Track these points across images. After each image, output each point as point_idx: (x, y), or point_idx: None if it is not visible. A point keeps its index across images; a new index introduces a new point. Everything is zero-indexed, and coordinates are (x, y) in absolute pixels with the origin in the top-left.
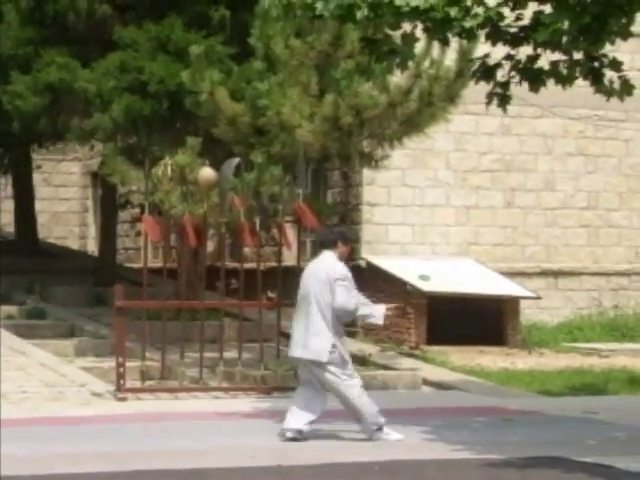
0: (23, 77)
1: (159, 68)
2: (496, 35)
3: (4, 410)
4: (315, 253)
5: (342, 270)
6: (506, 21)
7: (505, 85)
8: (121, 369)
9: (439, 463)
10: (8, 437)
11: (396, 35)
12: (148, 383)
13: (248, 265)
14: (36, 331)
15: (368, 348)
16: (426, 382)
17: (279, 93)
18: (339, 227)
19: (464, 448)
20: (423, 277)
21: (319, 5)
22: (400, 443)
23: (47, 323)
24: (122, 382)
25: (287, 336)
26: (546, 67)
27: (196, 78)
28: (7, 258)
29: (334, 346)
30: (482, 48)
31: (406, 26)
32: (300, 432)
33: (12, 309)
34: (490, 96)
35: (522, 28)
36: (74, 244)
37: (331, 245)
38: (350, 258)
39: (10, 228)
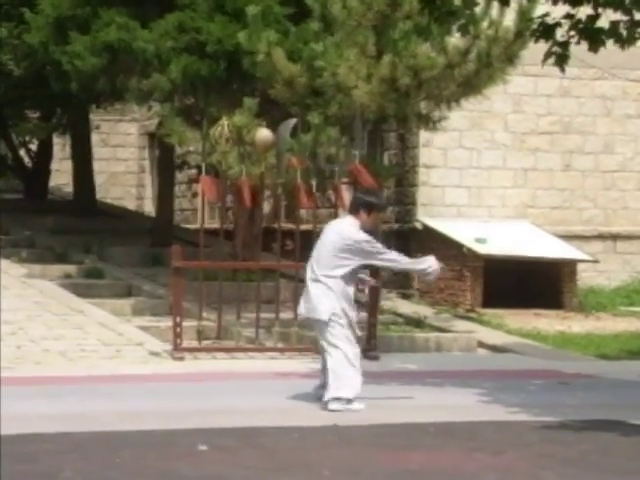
0: (82, 37)
1: (217, 28)
2: None
3: (63, 368)
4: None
5: (354, 235)
6: None
7: (564, 45)
8: (178, 329)
9: (495, 425)
10: (67, 395)
11: None
12: (205, 343)
13: (304, 226)
14: (94, 290)
15: (423, 310)
16: (482, 345)
17: (336, 54)
18: (373, 196)
19: (520, 410)
20: (479, 240)
21: None
22: (454, 405)
23: (105, 283)
24: (179, 341)
25: None
26: (606, 27)
27: (253, 39)
28: (65, 218)
29: (335, 307)
30: (541, 8)
31: None
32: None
33: (70, 268)
34: (548, 55)
35: None
36: (131, 205)
37: (353, 211)
38: (404, 220)
39: (68, 188)
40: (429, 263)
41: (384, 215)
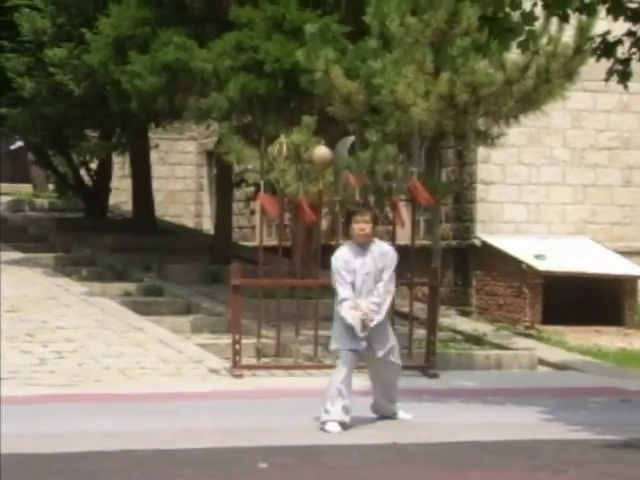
0: (141, 57)
1: (274, 47)
2: (617, 10)
3: (123, 385)
4: (429, 231)
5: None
6: None
7: (626, 62)
8: (237, 346)
9: (557, 443)
10: (127, 412)
11: (514, 13)
12: (263, 360)
13: None
14: (153, 308)
15: (482, 327)
16: (542, 362)
17: (394, 71)
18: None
19: (582, 429)
20: (539, 256)
21: None
22: (515, 423)
23: (164, 300)
24: (238, 359)
25: (401, 315)
26: None
27: (311, 57)
28: (125, 236)
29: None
30: (600, 24)
31: (526, 4)
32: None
33: (130, 286)
34: (610, 73)
35: None
36: (189, 222)
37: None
38: (463, 237)
39: (128, 206)
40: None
41: (443, 232)
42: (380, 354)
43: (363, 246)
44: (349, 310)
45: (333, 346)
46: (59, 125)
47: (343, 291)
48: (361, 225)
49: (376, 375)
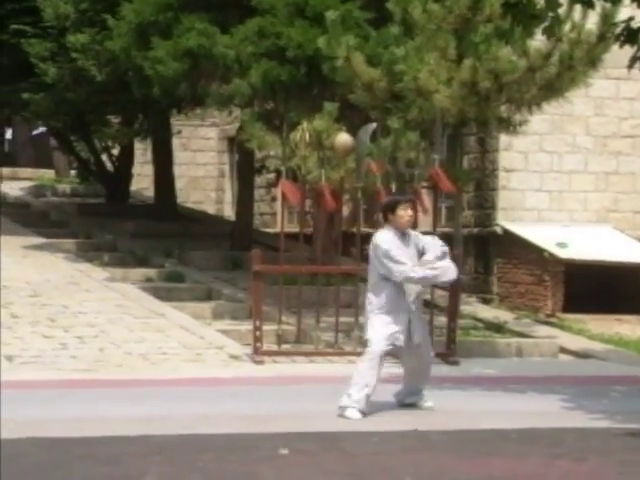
0: (164, 43)
1: (297, 33)
2: None
3: (145, 370)
4: (450, 219)
5: (376, 241)
6: None
7: None
8: (258, 332)
9: (578, 432)
10: (149, 397)
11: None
12: (284, 346)
13: None
14: (174, 294)
15: (503, 315)
16: (563, 350)
17: (416, 58)
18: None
19: (604, 417)
20: (561, 244)
21: None
22: (536, 411)
23: (185, 286)
24: (259, 345)
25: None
26: None
27: (332, 43)
28: (146, 222)
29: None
30: (624, 11)
31: None
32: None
33: (151, 272)
34: (634, 60)
35: None
36: (210, 209)
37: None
38: (484, 224)
39: (149, 192)
40: (441, 270)
41: (464, 219)
42: (417, 340)
43: (404, 233)
44: (421, 269)
45: (370, 336)
46: (81, 111)
47: (403, 265)
48: (409, 212)
49: (410, 362)
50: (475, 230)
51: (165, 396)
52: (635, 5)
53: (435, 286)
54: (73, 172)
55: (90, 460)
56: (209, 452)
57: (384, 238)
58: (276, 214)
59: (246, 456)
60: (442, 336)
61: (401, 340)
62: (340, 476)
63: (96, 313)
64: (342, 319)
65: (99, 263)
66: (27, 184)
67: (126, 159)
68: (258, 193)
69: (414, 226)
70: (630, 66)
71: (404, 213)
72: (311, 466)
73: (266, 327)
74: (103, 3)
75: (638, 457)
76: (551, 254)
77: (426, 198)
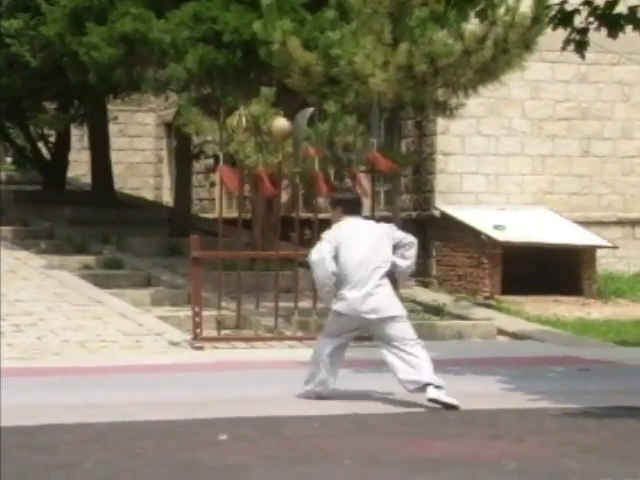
0: (98, 28)
1: (233, 18)
2: None
3: (83, 358)
4: (389, 202)
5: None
6: None
7: (583, 31)
8: (197, 318)
9: (515, 412)
10: (87, 385)
11: None
12: (224, 332)
13: (322, 215)
14: (113, 281)
15: (442, 298)
16: (501, 332)
17: (352, 42)
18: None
19: (541, 398)
20: (498, 227)
21: None
22: (475, 393)
23: (124, 273)
24: (199, 331)
25: None
26: (624, 13)
27: (268, 28)
28: (84, 209)
29: None
30: None
31: None
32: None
33: (89, 259)
34: (567, 42)
35: None
36: (149, 195)
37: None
38: (422, 208)
39: (86, 179)
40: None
41: (402, 203)
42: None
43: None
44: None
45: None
46: (16, 97)
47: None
48: None
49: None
50: (414, 214)
51: (104, 383)
52: None
53: None
54: (9, 159)
55: (27, 449)
56: (148, 439)
57: None
58: (215, 199)
59: (185, 442)
60: None
61: None
62: (280, 460)
63: (33, 301)
64: (281, 304)
65: (36, 251)
66: None
67: (62, 146)
68: (196, 179)
69: None
70: (563, 48)
71: None
72: (251, 451)
73: (205, 313)
74: None
75: (575, 437)
76: (489, 237)
77: (364, 182)
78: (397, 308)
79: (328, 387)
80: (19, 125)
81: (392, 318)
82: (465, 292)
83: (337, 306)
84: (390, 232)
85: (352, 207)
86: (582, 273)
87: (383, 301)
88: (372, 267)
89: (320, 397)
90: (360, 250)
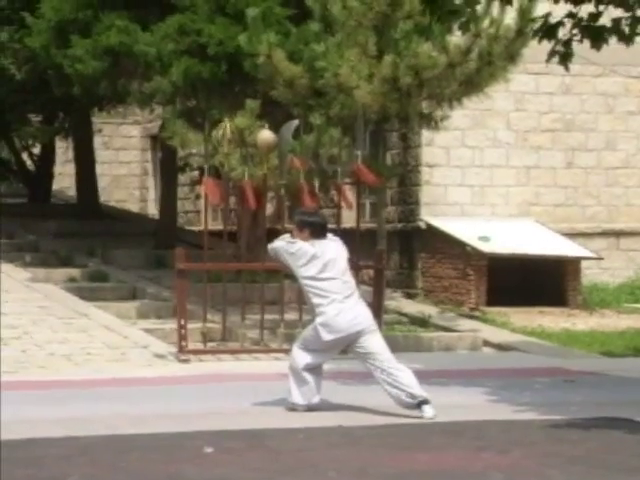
0: (83, 41)
1: (218, 30)
2: None
3: (68, 371)
4: (374, 214)
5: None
6: None
7: (567, 43)
8: (183, 331)
9: (501, 424)
10: (72, 398)
11: None
12: (210, 345)
13: None
14: (98, 293)
15: (428, 309)
16: (487, 343)
17: (337, 54)
18: (315, 216)
19: (526, 409)
20: (483, 238)
21: None
22: (460, 404)
23: (109, 285)
24: (184, 344)
25: None
26: (608, 25)
27: (253, 40)
28: (69, 221)
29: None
30: (541, 7)
31: None
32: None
33: (74, 272)
34: (552, 54)
35: None
36: (134, 207)
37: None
38: (408, 219)
39: (71, 192)
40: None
41: (388, 215)
42: None
43: None
44: None
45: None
46: (0, 109)
47: None
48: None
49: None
50: (399, 225)
51: (89, 397)
52: (552, 1)
53: (361, 282)
54: None
55: (12, 463)
56: (133, 452)
57: None
58: (200, 212)
59: (170, 455)
60: None
61: None
62: (265, 473)
63: (18, 314)
64: (267, 316)
65: (21, 264)
66: None
67: (47, 158)
68: (182, 191)
69: (338, 222)
70: (548, 60)
71: None
72: (236, 464)
73: (191, 325)
74: (21, 1)
75: (560, 448)
76: (474, 248)
77: (349, 194)
78: (372, 319)
79: (312, 399)
80: (3, 138)
81: (372, 330)
82: (450, 303)
83: (325, 336)
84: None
85: (320, 231)
86: (567, 284)
87: (363, 313)
88: (343, 283)
89: (305, 409)
90: (331, 270)
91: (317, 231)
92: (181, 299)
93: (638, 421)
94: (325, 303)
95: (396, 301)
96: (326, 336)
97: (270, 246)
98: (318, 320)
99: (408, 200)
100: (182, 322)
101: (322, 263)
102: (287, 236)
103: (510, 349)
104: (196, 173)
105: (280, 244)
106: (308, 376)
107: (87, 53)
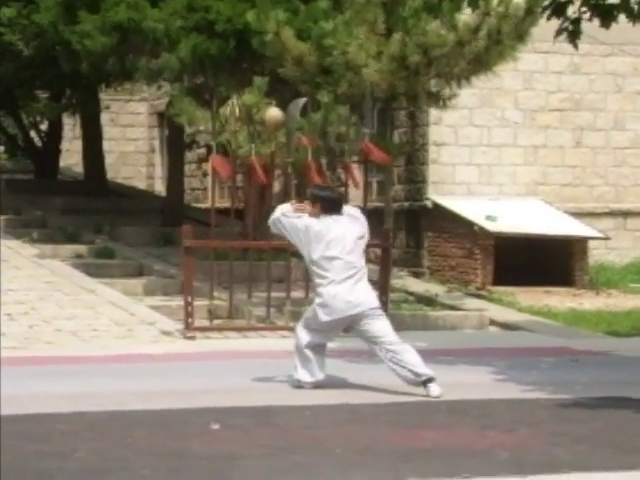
0: (91, 16)
1: (226, 7)
2: None
3: (75, 347)
4: (381, 193)
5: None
6: None
7: (576, 21)
8: (189, 308)
9: (507, 403)
10: (79, 374)
11: None
12: (216, 322)
13: None
14: (105, 270)
15: (434, 288)
16: (493, 322)
17: (345, 32)
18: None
19: (533, 388)
20: (490, 217)
21: None
22: (466, 383)
23: (116, 262)
24: (191, 321)
25: None
26: (617, 2)
27: (261, 18)
28: (76, 198)
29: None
30: None
31: None
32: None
33: (81, 248)
34: (560, 32)
35: None
36: (141, 184)
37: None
38: (415, 198)
39: (79, 168)
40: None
41: (395, 193)
42: None
43: None
44: None
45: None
46: (8, 85)
47: None
48: None
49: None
50: (406, 204)
51: (96, 373)
52: None
53: (368, 260)
54: (1, 148)
55: (20, 437)
56: (140, 428)
57: None
58: (207, 189)
59: (177, 432)
60: None
61: None
62: (271, 450)
63: (26, 290)
64: (274, 294)
65: (28, 240)
66: None
67: (55, 134)
68: (189, 168)
69: (345, 201)
70: (556, 37)
71: None
72: (242, 440)
73: (198, 302)
74: None
75: (566, 428)
76: (481, 227)
77: (357, 172)
78: (375, 301)
79: (318, 375)
80: (11, 114)
81: (373, 312)
82: (457, 283)
83: (323, 317)
84: (363, 233)
85: (332, 207)
86: (574, 264)
87: (363, 295)
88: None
89: (312, 387)
90: (335, 248)
91: (328, 205)
92: (188, 276)
93: None
94: (324, 283)
95: (403, 280)
96: (324, 317)
97: (271, 218)
98: (317, 301)
99: (415, 179)
100: (189, 299)
101: (326, 241)
102: (286, 206)
103: (516, 328)
104: (203, 150)
105: (283, 218)
106: (311, 354)
107: (95, 29)
